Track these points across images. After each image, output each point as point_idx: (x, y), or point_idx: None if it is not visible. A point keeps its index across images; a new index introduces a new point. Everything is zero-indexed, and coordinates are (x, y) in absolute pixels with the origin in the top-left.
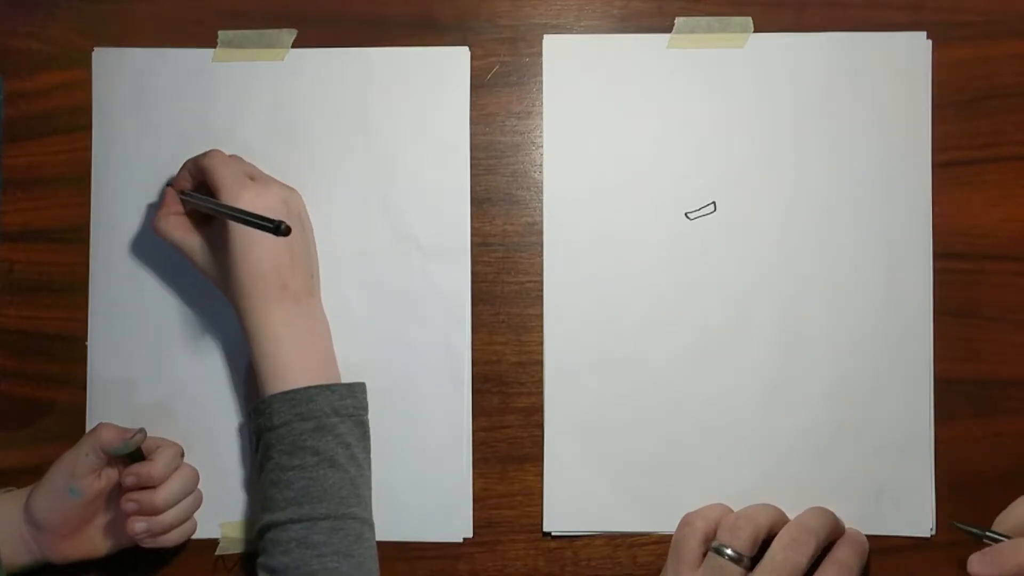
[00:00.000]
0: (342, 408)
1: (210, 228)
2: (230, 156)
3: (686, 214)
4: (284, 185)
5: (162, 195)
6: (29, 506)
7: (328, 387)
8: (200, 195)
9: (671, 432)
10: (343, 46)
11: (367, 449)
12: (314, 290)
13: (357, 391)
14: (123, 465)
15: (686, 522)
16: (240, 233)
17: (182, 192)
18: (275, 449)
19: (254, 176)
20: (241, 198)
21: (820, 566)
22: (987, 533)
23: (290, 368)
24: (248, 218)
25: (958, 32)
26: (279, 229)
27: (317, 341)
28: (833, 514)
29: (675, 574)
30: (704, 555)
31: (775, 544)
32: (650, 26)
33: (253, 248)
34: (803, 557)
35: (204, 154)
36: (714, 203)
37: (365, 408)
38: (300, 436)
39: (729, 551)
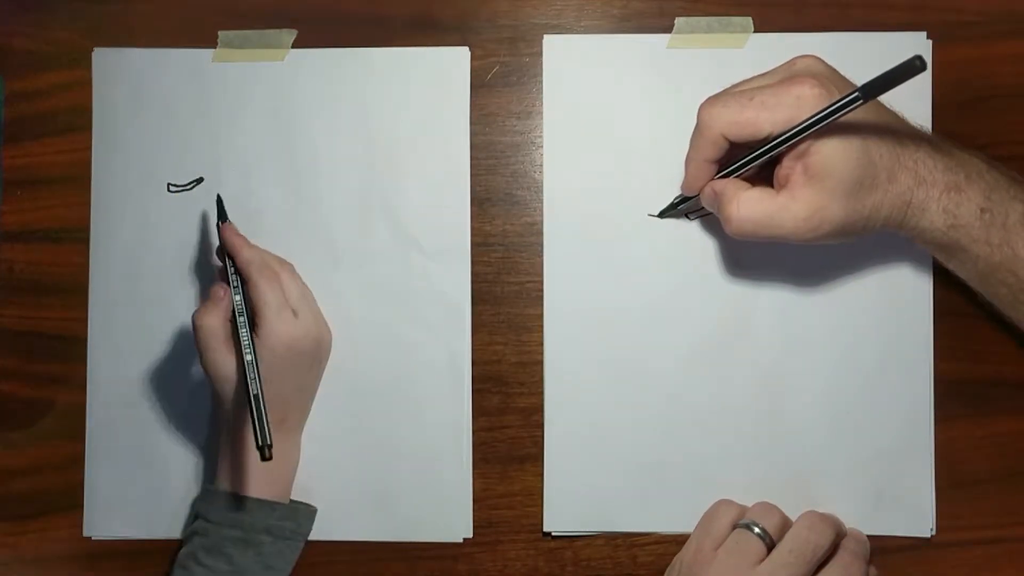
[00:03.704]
0: (277, 528)
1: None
2: (287, 271)
3: (687, 214)
4: (319, 320)
5: (216, 293)
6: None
7: (271, 504)
8: (246, 334)
9: (671, 432)
10: (343, 46)
11: (277, 570)
12: (302, 424)
13: (302, 515)
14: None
15: (722, 502)
16: (267, 360)
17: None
18: (198, 539)
19: (298, 309)
20: (278, 332)
21: (833, 558)
22: None
23: (245, 476)
24: (254, 407)
25: (958, 32)
26: (263, 454)
27: (282, 467)
28: (840, 522)
29: (698, 548)
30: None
31: (796, 525)
32: (650, 26)
33: (272, 377)
34: (824, 541)
35: (261, 268)
36: None
37: (305, 534)
38: (223, 541)
39: (758, 529)
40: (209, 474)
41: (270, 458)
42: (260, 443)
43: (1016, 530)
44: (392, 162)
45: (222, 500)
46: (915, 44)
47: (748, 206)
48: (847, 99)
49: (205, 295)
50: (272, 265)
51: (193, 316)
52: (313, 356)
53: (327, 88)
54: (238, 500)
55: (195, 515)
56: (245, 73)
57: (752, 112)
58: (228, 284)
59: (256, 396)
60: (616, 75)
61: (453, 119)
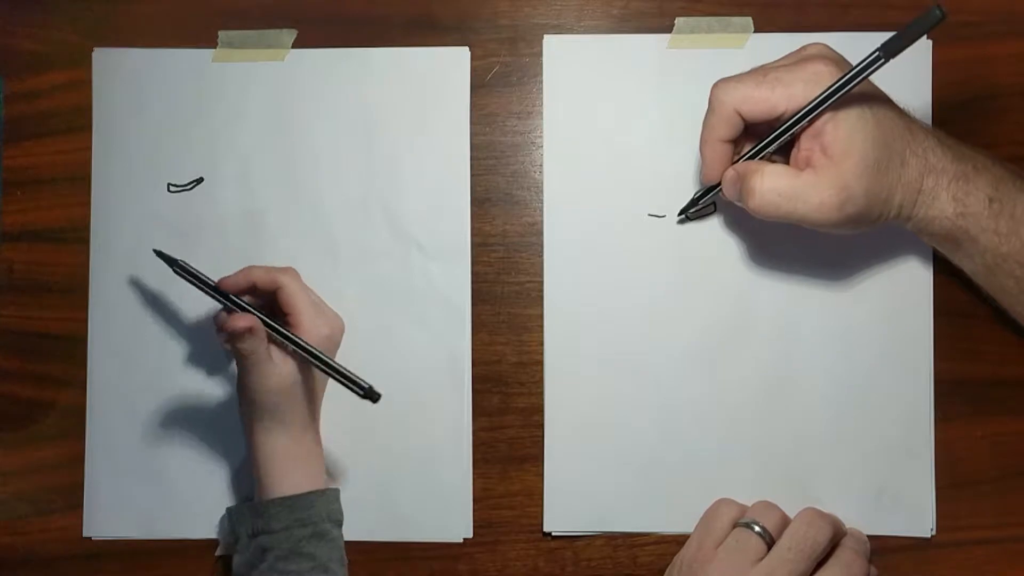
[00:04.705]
0: (334, 513)
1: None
2: (295, 273)
3: (687, 214)
4: (336, 316)
5: (224, 299)
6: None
7: (323, 492)
8: (289, 333)
9: (671, 432)
10: (343, 46)
11: (343, 551)
12: (319, 415)
13: (338, 496)
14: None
15: (722, 501)
16: (298, 366)
17: (264, 319)
18: (271, 553)
19: (321, 305)
20: (318, 329)
21: (832, 555)
22: None
23: (287, 478)
24: (342, 376)
25: (958, 32)
26: (370, 394)
27: (318, 457)
28: (839, 519)
29: (699, 547)
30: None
31: (795, 522)
32: (650, 26)
33: (312, 374)
34: (823, 537)
35: (281, 272)
36: (714, 203)
37: (343, 513)
38: (298, 543)
39: (758, 527)
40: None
41: (378, 397)
42: (361, 391)
43: (1016, 530)
44: (392, 162)
45: (277, 508)
46: (915, 44)
47: (773, 178)
48: (870, 59)
49: (205, 295)
50: (286, 268)
51: (234, 343)
52: (338, 346)
53: (327, 88)
54: (294, 501)
55: (250, 535)
56: (245, 73)
57: (767, 88)
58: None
59: (330, 364)
60: (616, 75)
61: (453, 119)
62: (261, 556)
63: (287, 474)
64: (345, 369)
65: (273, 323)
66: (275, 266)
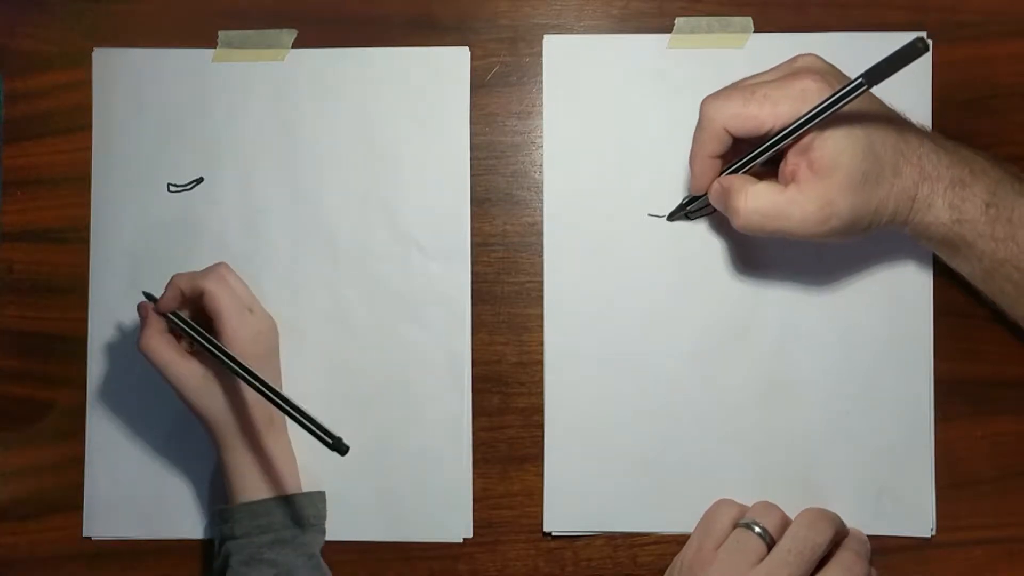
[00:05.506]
0: (301, 518)
1: (201, 355)
2: (226, 269)
3: (687, 214)
4: (267, 312)
5: (143, 310)
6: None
7: (287, 498)
8: (240, 366)
9: (671, 432)
10: (343, 46)
11: (319, 555)
12: (284, 419)
13: (316, 500)
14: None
15: (722, 501)
16: (226, 379)
17: (181, 320)
18: (234, 558)
19: (252, 306)
20: (242, 334)
21: (833, 556)
22: None
23: (250, 485)
24: (309, 425)
25: (958, 32)
26: (338, 447)
27: (285, 463)
28: (840, 518)
29: (699, 548)
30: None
31: (795, 523)
32: (650, 26)
33: (234, 391)
34: (823, 539)
35: (206, 275)
36: None
37: (324, 517)
38: (258, 549)
39: (758, 528)
40: (214, 491)
41: (347, 450)
42: (331, 441)
43: (1016, 530)
44: (392, 162)
45: (240, 513)
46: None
47: (756, 198)
48: (852, 85)
49: None
50: (212, 270)
51: (138, 344)
52: (276, 348)
53: (327, 88)
54: (256, 507)
55: (220, 541)
56: (245, 73)
57: (755, 106)
58: (151, 301)
59: (292, 406)
60: (616, 75)
61: (453, 119)
62: (227, 561)
63: (249, 481)
64: (310, 419)
65: (239, 368)
66: (201, 270)
